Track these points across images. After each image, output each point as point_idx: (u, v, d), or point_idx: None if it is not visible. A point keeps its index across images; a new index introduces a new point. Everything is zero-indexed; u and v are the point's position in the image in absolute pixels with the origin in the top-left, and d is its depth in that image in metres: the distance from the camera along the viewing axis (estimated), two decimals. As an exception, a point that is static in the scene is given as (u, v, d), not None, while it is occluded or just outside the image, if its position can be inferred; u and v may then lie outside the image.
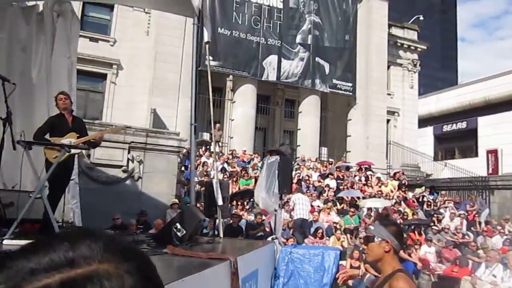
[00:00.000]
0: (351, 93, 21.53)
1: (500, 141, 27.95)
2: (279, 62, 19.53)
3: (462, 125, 32.52)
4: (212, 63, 18.40)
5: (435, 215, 14.29)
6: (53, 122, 5.25)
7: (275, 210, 6.58)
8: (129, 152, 9.86)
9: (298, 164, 18.32)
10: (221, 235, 6.35)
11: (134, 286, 0.53)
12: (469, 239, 12.68)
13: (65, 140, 5.06)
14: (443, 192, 18.38)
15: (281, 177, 6.48)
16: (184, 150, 14.44)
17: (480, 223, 14.61)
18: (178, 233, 4.90)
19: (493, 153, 29.50)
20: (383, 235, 2.33)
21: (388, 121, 24.95)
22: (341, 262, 9.88)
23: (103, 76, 18.87)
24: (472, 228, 14.07)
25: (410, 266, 10.41)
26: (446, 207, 15.82)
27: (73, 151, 4.98)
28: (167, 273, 3.48)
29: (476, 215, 14.66)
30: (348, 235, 11.73)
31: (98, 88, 19.03)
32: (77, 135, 5.14)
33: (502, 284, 7.19)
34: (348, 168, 19.25)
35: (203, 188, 9.98)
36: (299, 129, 21.13)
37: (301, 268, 5.88)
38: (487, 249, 9.06)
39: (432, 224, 13.51)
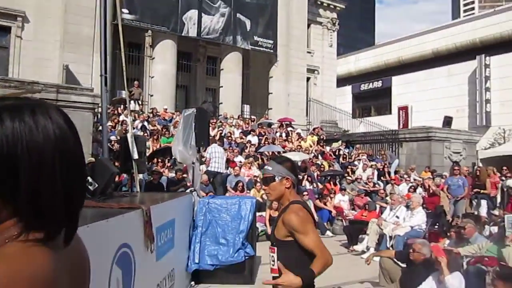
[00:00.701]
0: (272, 51, 21.67)
1: (411, 99, 29.87)
2: (200, 17, 19.01)
3: (378, 84, 34.17)
4: (128, 16, 17.52)
5: (349, 167, 15.17)
6: None
7: (193, 163, 6.59)
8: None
9: (220, 121, 18.34)
10: (138, 189, 6.28)
11: None
12: (379, 188, 13.69)
13: None
14: (357, 146, 19.48)
15: (198, 130, 6.46)
16: (101, 109, 13.85)
17: (389, 173, 15.76)
18: (90, 187, 4.75)
19: (403, 109, 31.55)
20: (282, 173, 2.41)
21: (308, 79, 25.60)
22: (261, 213, 10.30)
23: (7, 30, 17.20)
24: (382, 178, 15.16)
25: (325, 214, 11.09)
26: (359, 159, 16.84)
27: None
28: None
29: (386, 166, 15.74)
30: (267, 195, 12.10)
31: (2, 42, 17.37)
32: None
33: (404, 223, 7.90)
34: (270, 125, 19.65)
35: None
36: (221, 86, 21.02)
37: (218, 217, 6.00)
38: (393, 194, 9.83)
39: (346, 174, 14.37)
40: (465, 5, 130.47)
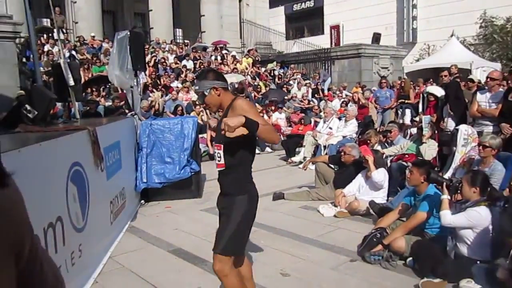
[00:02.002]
0: (201, -30, 20.76)
1: (343, 18, 30.12)
2: None
3: (310, 3, 33.91)
4: None
5: (284, 86, 15.58)
6: None
7: (131, 87, 6.58)
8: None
9: (153, 47, 17.79)
10: (77, 116, 6.24)
11: None
12: (313, 104, 14.29)
13: None
14: (292, 65, 19.81)
15: (133, 52, 6.38)
16: (23, 40, 12.92)
17: (323, 90, 16.38)
18: (29, 114, 4.70)
19: (335, 28, 31.92)
20: (208, 85, 2.54)
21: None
22: (202, 135, 10.55)
23: None
24: (316, 95, 15.78)
25: (264, 132, 11.54)
26: (294, 79, 17.28)
27: None
28: (23, 143, 3.47)
29: (319, 84, 16.31)
30: (207, 110, 12.31)
31: None
32: None
33: (336, 133, 8.53)
34: (205, 48, 19.35)
35: (51, 78, 9.29)
36: (151, 10, 20.09)
37: (162, 137, 6.17)
38: (326, 108, 10.40)
39: (286, 96, 14.79)
40: None
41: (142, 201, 6.22)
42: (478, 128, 5.58)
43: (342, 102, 13.60)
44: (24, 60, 12.24)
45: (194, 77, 12.87)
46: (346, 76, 18.13)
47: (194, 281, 3.56)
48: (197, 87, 2.69)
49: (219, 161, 2.57)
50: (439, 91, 6.71)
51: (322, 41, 30.00)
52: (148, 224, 5.22)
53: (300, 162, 8.81)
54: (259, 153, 10.70)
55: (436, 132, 6.04)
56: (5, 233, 0.71)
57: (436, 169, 5.89)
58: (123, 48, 6.40)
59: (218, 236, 2.58)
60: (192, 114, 11.13)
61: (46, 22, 16.74)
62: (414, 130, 6.99)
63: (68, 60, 12.60)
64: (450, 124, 6.23)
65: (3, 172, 0.73)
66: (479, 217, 3.09)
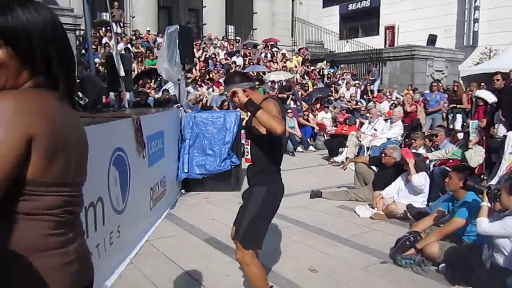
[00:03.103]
0: (256, -33, 20.91)
1: (399, 19, 29.25)
2: None
3: (366, 3, 33.12)
4: None
5: (333, 86, 15.43)
6: None
7: (178, 80, 6.78)
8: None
9: (205, 43, 18.15)
10: (126, 105, 6.52)
11: None
12: (361, 105, 14.06)
13: None
14: (342, 65, 19.58)
15: (182, 46, 6.57)
16: (83, 32, 13.58)
17: (372, 91, 16.07)
18: (81, 102, 4.98)
19: (390, 29, 31.12)
20: (238, 87, 2.55)
21: (294, -2, 24.97)
22: (247, 131, 10.68)
23: None
24: (365, 96, 15.51)
25: (308, 130, 11.53)
26: (343, 79, 17.07)
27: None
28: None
29: (369, 85, 16.01)
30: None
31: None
32: None
33: (380, 134, 8.37)
34: (255, 46, 19.49)
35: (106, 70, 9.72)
36: (205, 6, 20.48)
37: (205, 130, 6.32)
38: (371, 109, 10.23)
39: (330, 93, 14.67)
40: None
41: (183, 190, 6.41)
42: (531, 136, 5.32)
43: (391, 104, 13.30)
44: (83, 51, 12.88)
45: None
46: (397, 78, 17.70)
47: (223, 269, 3.65)
48: (225, 93, 2.76)
49: (247, 155, 2.66)
50: (488, 96, 6.45)
51: (376, 42, 29.32)
52: (186, 213, 5.39)
53: (342, 162, 8.72)
54: (301, 151, 10.74)
55: (484, 138, 5.81)
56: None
57: (482, 176, 5.69)
58: (172, 42, 6.60)
59: (237, 225, 2.66)
60: (237, 109, 11.28)
61: (105, 15, 17.46)
62: (462, 135, 6.76)
63: (122, 53, 13.20)
64: (501, 130, 5.97)
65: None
66: (516, 226, 2.97)
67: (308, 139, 11.41)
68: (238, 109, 10.34)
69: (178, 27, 6.59)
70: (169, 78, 7.16)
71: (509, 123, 5.82)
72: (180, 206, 5.74)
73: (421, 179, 5.02)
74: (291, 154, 10.34)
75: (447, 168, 5.51)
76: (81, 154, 1.20)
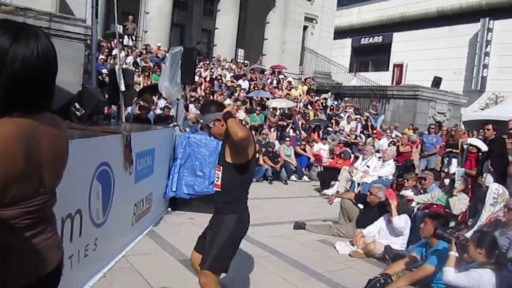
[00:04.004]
0: (270, -5, 21.39)
1: (410, 57, 29.58)
2: (199, -46, 18.59)
3: (379, 39, 33.53)
4: None
5: (334, 118, 15.58)
6: None
7: (178, 99, 6.93)
8: (30, 36, 9.35)
9: (213, 63, 18.45)
10: (124, 120, 6.64)
11: None
12: (360, 140, 14.17)
13: None
14: (346, 98, 19.77)
15: (184, 68, 6.74)
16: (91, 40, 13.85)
17: (373, 126, 16.19)
18: (77, 112, 5.12)
19: (398, 67, 31.54)
20: (211, 118, 2.70)
21: (306, 28, 25.39)
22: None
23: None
24: (365, 131, 15.63)
25: (304, 160, 11.61)
26: (346, 112, 17.23)
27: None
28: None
29: (369, 121, 16.13)
30: (253, 132, 12.55)
31: (-5, -37, 16.93)
32: None
33: (372, 172, 8.44)
34: (262, 71, 19.79)
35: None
36: (217, 28, 20.90)
37: (197, 151, 6.42)
38: (366, 145, 10.32)
39: (330, 125, 14.80)
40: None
41: (169, 208, 6.46)
42: (516, 189, 5.37)
43: (390, 142, 13.40)
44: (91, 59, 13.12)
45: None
46: (400, 116, 17.84)
47: (193, 293, 3.68)
48: (201, 120, 2.88)
49: (217, 181, 2.74)
50: (482, 144, 6.52)
51: (385, 78, 29.71)
52: (168, 232, 5.43)
53: (339, 193, 8.78)
54: (295, 180, 10.80)
55: (469, 186, 5.87)
56: None
57: (469, 223, 5.72)
58: (175, 62, 6.77)
59: (204, 253, 2.72)
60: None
61: (119, 28, 17.78)
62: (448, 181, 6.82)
63: (130, 67, 13.43)
64: (488, 180, 6.02)
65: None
66: (480, 279, 3.01)
67: (303, 169, 11.48)
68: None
69: (182, 49, 6.77)
70: (168, 97, 7.32)
71: (497, 174, 5.88)
72: (164, 224, 5.79)
73: (402, 222, 5.07)
74: (284, 182, 10.41)
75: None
76: (55, 167, 1.35)
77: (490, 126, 6.72)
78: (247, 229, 2.83)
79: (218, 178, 2.74)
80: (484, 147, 6.50)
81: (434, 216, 3.94)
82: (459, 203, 5.55)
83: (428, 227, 3.82)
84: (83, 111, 5.12)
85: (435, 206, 5.72)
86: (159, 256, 4.54)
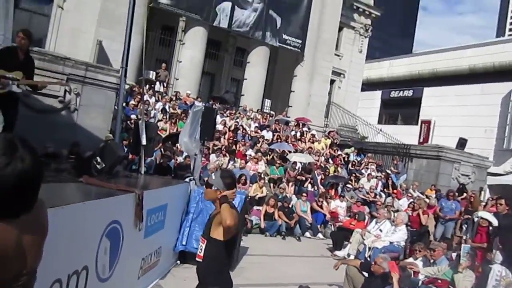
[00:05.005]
0: (299, 50, 22.09)
1: (439, 113, 29.41)
2: (233, 9, 19.59)
3: (409, 93, 33.60)
4: (165, 0, 18.24)
5: (354, 174, 15.61)
6: (3, 53, 5.51)
7: (195, 155, 7.25)
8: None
9: (239, 113, 18.97)
10: (142, 171, 6.97)
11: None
12: (379, 199, 14.10)
13: (9, 75, 5.37)
14: (369, 154, 19.82)
15: (203, 125, 7.11)
16: (127, 87, 14.61)
17: (394, 185, 16.08)
18: (98, 166, 5.46)
19: (426, 123, 31.42)
20: (218, 186, 3.00)
21: (333, 81, 25.94)
22: (259, 208, 10.93)
23: (50, -1, 18.12)
24: (385, 190, 15.55)
25: (320, 217, 11.64)
26: (368, 168, 17.24)
27: (14, 88, 5.34)
28: (74, 196, 4.10)
29: (390, 179, 16.05)
30: (272, 184, 12.75)
31: (44, 10, 18.31)
32: (23, 75, 5.43)
33: (384, 237, 8.41)
34: (287, 123, 20.15)
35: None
36: (246, 78, 21.60)
37: (210, 207, 6.61)
38: (379, 209, 10.30)
39: (350, 182, 14.83)
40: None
41: (178, 261, 6.63)
42: (524, 270, 5.31)
43: (410, 203, 13.29)
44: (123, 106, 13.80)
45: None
46: (422, 176, 17.73)
47: None
48: (213, 177, 3.14)
49: (200, 252, 2.95)
50: (492, 218, 6.50)
51: (413, 132, 29.61)
52: (173, 286, 5.59)
53: (345, 258, 8.75)
54: (309, 237, 10.81)
55: (476, 263, 5.83)
56: None
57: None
58: (195, 119, 7.16)
59: None
60: (254, 185, 11.60)
61: (152, 74, 18.66)
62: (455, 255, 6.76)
63: (159, 114, 13.99)
64: (497, 257, 5.97)
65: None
66: None
67: (319, 226, 11.49)
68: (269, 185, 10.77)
69: (203, 108, 7.16)
70: (187, 152, 7.66)
71: (506, 252, 5.83)
72: (170, 278, 5.95)
73: (403, 296, 5.07)
74: (297, 238, 10.44)
75: (434, 288, 5.54)
76: (34, 250, 1.57)
77: (503, 201, 6.70)
78: None
79: (201, 249, 2.96)
80: (495, 222, 6.47)
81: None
82: (464, 280, 5.50)
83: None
84: (103, 165, 5.47)
85: (439, 281, 5.69)
86: (160, 313, 4.68)
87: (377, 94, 35.50)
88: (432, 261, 6.56)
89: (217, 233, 2.88)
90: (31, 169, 1.46)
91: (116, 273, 4.28)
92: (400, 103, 34.08)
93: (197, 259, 3.03)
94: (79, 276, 3.55)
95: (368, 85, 34.26)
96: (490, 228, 6.69)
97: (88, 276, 3.70)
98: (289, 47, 21.82)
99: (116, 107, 11.98)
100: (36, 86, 5.77)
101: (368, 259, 7.87)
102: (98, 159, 5.48)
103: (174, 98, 17.50)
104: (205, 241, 2.96)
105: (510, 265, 5.22)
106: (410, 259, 6.84)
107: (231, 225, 2.72)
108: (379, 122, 33.32)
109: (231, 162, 12.55)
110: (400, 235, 8.37)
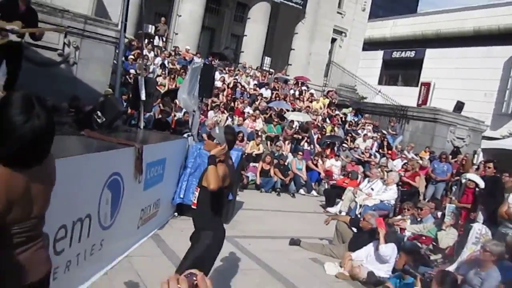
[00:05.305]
0: (301, 7, 21.72)
1: (439, 75, 29.19)
2: (234, -37, 19.10)
3: (411, 54, 33.07)
4: (165, -48, 17.75)
5: (350, 134, 15.81)
6: (4, 5, 5.52)
7: (194, 111, 7.39)
8: (65, 37, 9.97)
9: (238, 70, 18.91)
10: (141, 126, 7.13)
11: None
12: (373, 159, 14.35)
13: (9, 26, 5.40)
14: (366, 115, 19.95)
15: (202, 82, 7.20)
16: (126, 41, 14.49)
17: (389, 146, 16.30)
18: (98, 120, 5.62)
19: (426, 85, 31.29)
20: (220, 140, 3.22)
21: (334, 40, 25.62)
22: (255, 164, 11.18)
23: None
24: (380, 150, 15.79)
25: (314, 175, 11.93)
26: (364, 129, 17.42)
27: (12, 37, 5.40)
28: (77, 149, 4.28)
29: (386, 139, 16.24)
30: (269, 142, 12.96)
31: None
32: (23, 25, 5.46)
33: (375, 195, 8.71)
34: (286, 81, 20.13)
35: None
36: (246, 35, 21.34)
37: (207, 162, 6.85)
38: (376, 168, 10.56)
39: (346, 141, 15.04)
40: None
41: (176, 213, 6.91)
42: (505, 229, 5.59)
43: (404, 163, 13.55)
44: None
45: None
46: (418, 138, 17.93)
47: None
48: (216, 131, 3.33)
49: (194, 200, 3.19)
50: (480, 180, 6.74)
51: (414, 94, 29.54)
52: (171, 236, 5.87)
53: (336, 214, 9.08)
54: (303, 194, 11.12)
55: (460, 221, 6.11)
56: None
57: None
58: (194, 76, 7.24)
59: (180, 263, 3.16)
60: (251, 142, 11.80)
61: (151, 28, 18.41)
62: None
63: (158, 69, 13.97)
64: (479, 217, 6.25)
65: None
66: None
67: (313, 183, 11.80)
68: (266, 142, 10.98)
69: (202, 64, 7.23)
70: (185, 108, 7.79)
71: (487, 213, 6.10)
72: (168, 229, 6.24)
73: (388, 250, 5.36)
74: (292, 195, 10.76)
75: (419, 244, 5.85)
76: (43, 198, 1.79)
77: (491, 165, 6.93)
78: (222, 245, 3.26)
79: (195, 197, 3.19)
80: (481, 184, 6.71)
81: (407, 251, 4.25)
82: (447, 237, 5.81)
83: (401, 261, 4.13)
84: (104, 119, 5.62)
85: (424, 237, 5.99)
86: (158, 259, 4.97)
87: (379, 54, 35.02)
88: (419, 219, 6.87)
89: (208, 182, 3.10)
90: (46, 125, 1.63)
91: (117, 222, 4.52)
92: (402, 63, 33.67)
93: (192, 206, 3.27)
94: (83, 223, 3.79)
95: (370, 45, 33.74)
96: (477, 189, 6.94)
97: (91, 223, 3.94)
98: (290, 3, 21.43)
99: (115, 61, 12.00)
100: (34, 34, 5.81)
101: (359, 216, 8.19)
102: (99, 113, 5.62)
103: (173, 53, 17.37)
104: (198, 189, 3.18)
105: (490, 224, 5.50)
106: (399, 217, 7.14)
107: (214, 189, 2.94)
108: (380, 82, 33.10)
109: (229, 119, 12.67)
110: (390, 194, 8.67)
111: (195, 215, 3.32)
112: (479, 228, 5.15)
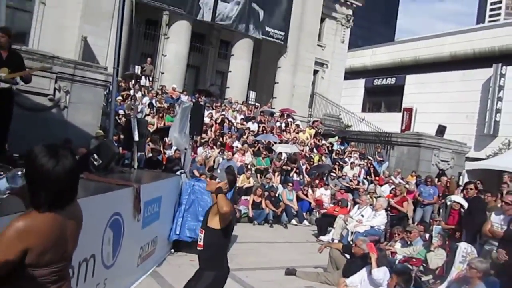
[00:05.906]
0: (282, 42, 22.44)
1: (421, 100, 30.03)
2: (216, 3, 19.81)
3: (392, 80, 34.08)
4: (148, -5, 18.38)
5: (337, 163, 16.14)
6: None
7: (185, 149, 7.64)
8: (56, 82, 10.26)
9: (225, 105, 19.30)
10: (135, 166, 7.33)
11: None
12: (362, 186, 14.65)
13: None
14: (352, 143, 20.38)
15: (193, 121, 7.49)
16: (110, 99, 14.77)
17: (376, 172, 16.66)
18: (95, 162, 5.82)
19: (408, 111, 32.15)
20: (221, 179, 3.45)
21: (316, 72, 26.35)
22: (247, 197, 11.37)
23: (33, -6, 18.06)
24: (368, 177, 16.11)
25: (305, 205, 12.14)
26: (351, 157, 17.78)
27: (2, 85, 5.62)
28: (79, 191, 4.46)
29: (373, 166, 16.61)
30: (258, 175, 13.20)
31: (26, 6, 18.26)
32: (9, 70, 5.69)
33: (365, 222, 8.94)
34: (272, 114, 20.56)
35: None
36: (230, 71, 21.89)
37: (201, 198, 7.05)
38: (362, 196, 10.82)
39: (333, 170, 15.33)
40: (491, 9, 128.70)
41: (172, 250, 7.04)
42: (489, 247, 5.84)
43: (392, 189, 13.85)
44: (110, 101, 14.01)
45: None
46: (403, 163, 18.32)
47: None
48: (219, 172, 3.57)
49: (200, 242, 3.38)
50: (463, 201, 7.04)
51: (397, 119, 30.29)
52: (169, 272, 6.00)
53: (328, 242, 9.26)
54: (295, 224, 11.30)
55: (447, 242, 6.36)
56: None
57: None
58: (185, 115, 7.53)
59: None
60: (241, 176, 12.01)
61: (137, 69, 18.81)
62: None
63: (146, 108, 14.25)
64: (465, 237, 6.51)
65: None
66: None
67: (304, 213, 12.00)
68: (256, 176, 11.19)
69: (192, 104, 7.53)
70: (177, 146, 8.02)
71: (470, 233, 6.36)
72: (166, 265, 6.37)
73: (381, 273, 5.56)
74: (284, 226, 10.93)
75: (410, 266, 6.06)
76: (75, 238, 1.98)
77: (472, 186, 7.24)
78: (225, 282, 3.44)
79: (200, 239, 3.39)
80: (466, 204, 7.01)
81: (398, 272, 4.47)
82: (436, 258, 6.04)
83: (392, 282, 4.34)
84: (100, 162, 5.83)
85: (414, 259, 6.21)
86: (159, 296, 5.10)
87: (361, 83, 35.99)
88: (409, 242, 7.10)
89: (214, 223, 3.31)
90: (74, 164, 1.86)
91: (118, 261, 4.68)
92: (384, 91, 34.62)
93: (198, 248, 3.45)
94: (87, 263, 3.95)
95: (352, 74, 34.71)
96: (462, 210, 7.23)
97: (95, 263, 4.10)
98: (272, 39, 22.15)
99: (104, 103, 12.28)
100: (24, 78, 5.99)
101: (351, 242, 8.39)
102: (95, 156, 5.83)
103: (160, 92, 17.72)
104: (203, 231, 3.38)
105: (473, 243, 5.76)
106: (391, 243, 7.37)
107: (228, 211, 3.15)
108: (363, 110, 33.92)
109: (220, 154, 12.92)
110: (380, 220, 8.91)
111: (201, 256, 3.49)
112: (465, 247, 5.40)
